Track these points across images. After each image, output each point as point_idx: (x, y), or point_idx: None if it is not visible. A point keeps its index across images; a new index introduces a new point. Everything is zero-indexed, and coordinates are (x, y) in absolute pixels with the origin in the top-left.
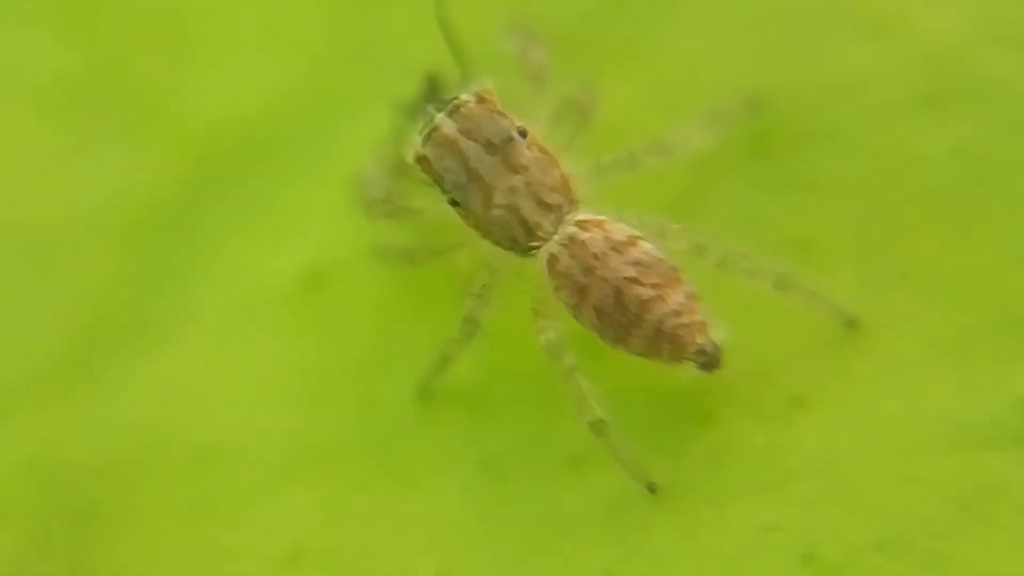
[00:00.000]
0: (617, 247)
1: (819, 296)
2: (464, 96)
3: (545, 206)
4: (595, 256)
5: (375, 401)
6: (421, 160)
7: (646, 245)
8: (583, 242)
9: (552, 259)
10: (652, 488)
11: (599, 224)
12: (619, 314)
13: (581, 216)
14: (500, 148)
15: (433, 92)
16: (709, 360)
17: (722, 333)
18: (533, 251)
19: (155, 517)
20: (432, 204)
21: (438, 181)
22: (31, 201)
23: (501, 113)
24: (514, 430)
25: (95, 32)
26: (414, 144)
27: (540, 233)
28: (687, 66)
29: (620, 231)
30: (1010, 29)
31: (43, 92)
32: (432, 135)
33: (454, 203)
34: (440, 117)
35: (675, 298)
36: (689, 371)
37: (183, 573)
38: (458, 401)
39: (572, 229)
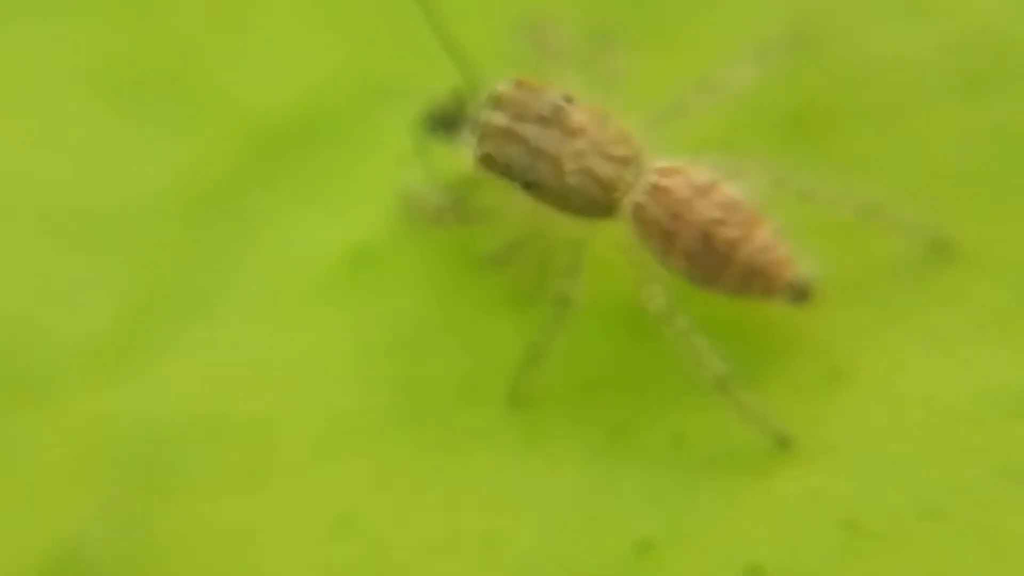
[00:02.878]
0: (701, 191)
1: (904, 220)
2: (501, 86)
3: (616, 160)
4: (680, 202)
5: (420, 372)
6: (484, 159)
7: (727, 186)
8: (667, 188)
9: (638, 209)
10: (784, 442)
11: (679, 170)
12: (709, 256)
13: (661, 164)
14: (553, 119)
15: (460, 104)
16: (800, 293)
17: (811, 265)
18: (616, 206)
19: (210, 483)
20: (499, 198)
21: (506, 172)
22: (89, 181)
23: (542, 88)
24: (557, 402)
25: (149, 16)
26: (469, 150)
27: (622, 185)
28: (721, 49)
29: (701, 175)
30: None
31: (99, 75)
32: (486, 131)
33: (527, 186)
34: (486, 112)
35: (762, 235)
36: (779, 305)
37: (237, 538)
38: (502, 374)
39: (654, 177)
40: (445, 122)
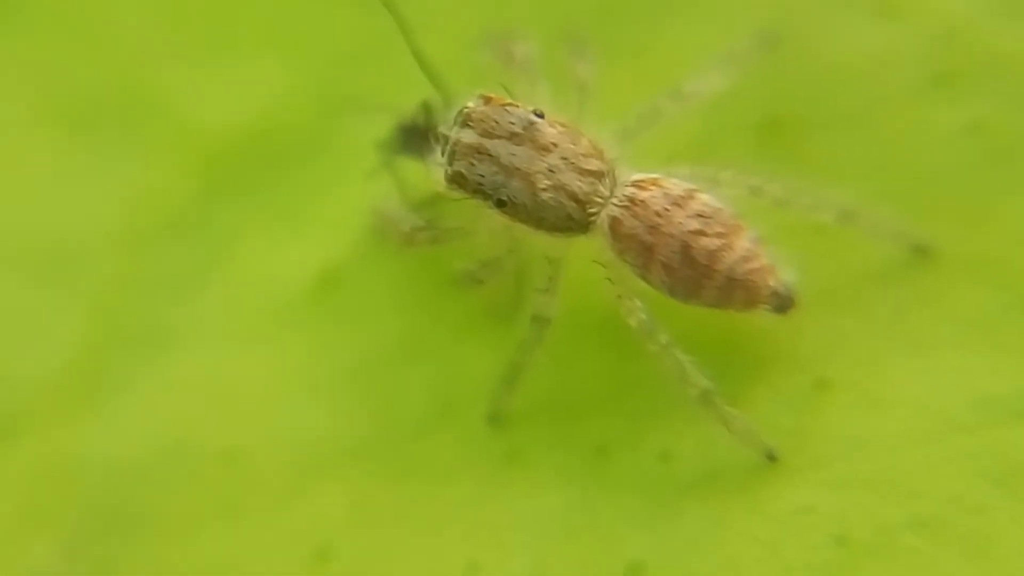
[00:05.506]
0: (678, 201)
1: (884, 224)
2: (470, 103)
3: (589, 174)
4: (657, 213)
5: (396, 396)
6: (455, 177)
7: (705, 196)
8: (644, 201)
9: (615, 222)
10: (771, 456)
11: (655, 181)
12: (689, 268)
13: (636, 176)
14: (525, 135)
15: (429, 118)
16: (783, 301)
17: (792, 273)
18: (592, 222)
19: (184, 519)
20: (471, 217)
21: (478, 190)
22: (44, 210)
23: (512, 103)
24: (538, 422)
25: (103, 40)
26: (439, 169)
27: (597, 199)
28: (693, 55)
29: (677, 186)
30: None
31: (51, 100)
32: (456, 150)
33: (500, 203)
34: (456, 130)
35: (742, 244)
36: (762, 316)
37: (214, 575)
38: (480, 394)
39: (630, 190)
40: (414, 138)
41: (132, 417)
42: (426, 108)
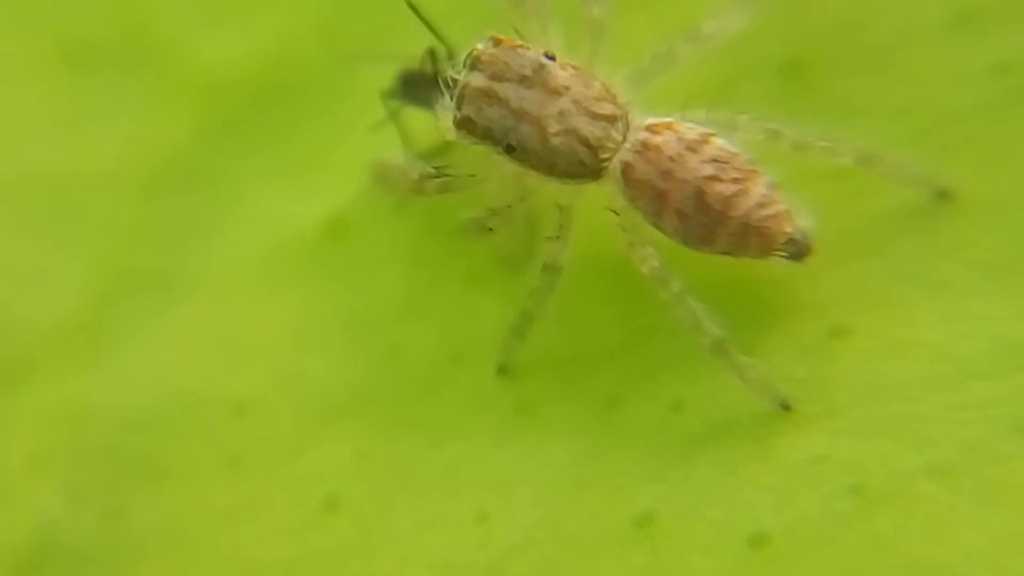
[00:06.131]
0: (692, 146)
1: (906, 168)
2: (479, 45)
3: (601, 118)
4: (671, 159)
5: (405, 348)
6: (463, 122)
7: (720, 140)
8: (657, 146)
9: (627, 168)
10: (785, 405)
11: (669, 126)
12: (703, 214)
13: (649, 120)
14: (535, 78)
15: (435, 65)
16: (800, 248)
17: (808, 219)
18: (604, 168)
19: (190, 469)
20: (479, 164)
21: (487, 135)
22: (52, 154)
23: (522, 46)
24: (549, 373)
25: None
26: (447, 114)
27: (609, 144)
28: None
29: (691, 130)
30: None
31: (59, 45)
32: (465, 93)
33: (510, 149)
34: (464, 73)
35: (757, 190)
36: (778, 263)
37: (219, 524)
38: (489, 346)
39: (643, 135)
40: (420, 86)
41: (139, 365)
42: (432, 55)
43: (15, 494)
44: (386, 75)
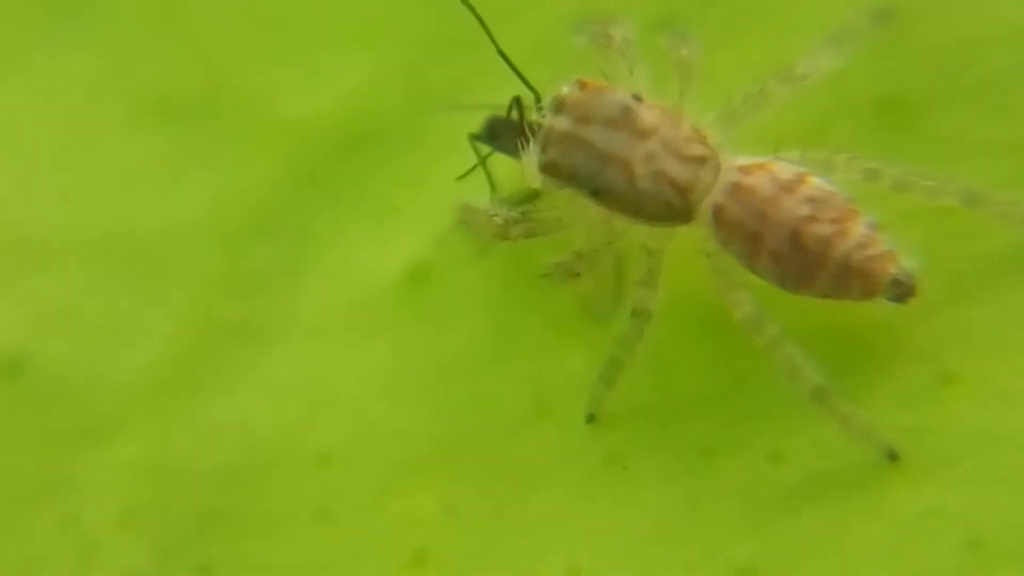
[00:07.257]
0: (787, 186)
1: (1013, 207)
2: (564, 89)
3: (691, 160)
4: (765, 200)
5: (489, 396)
6: (548, 166)
7: (816, 180)
8: (750, 187)
9: (719, 210)
10: (893, 455)
11: (762, 166)
12: (800, 256)
13: (741, 161)
14: (621, 120)
15: (521, 113)
16: (904, 290)
17: (912, 260)
18: (695, 210)
19: (279, 522)
20: (566, 208)
21: (572, 178)
22: (137, 208)
23: (608, 88)
24: (639, 422)
25: (188, 36)
26: (532, 159)
27: (699, 186)
28: (801, 34)
29: (785, 170)
30: None
31: (140, 98)
32: (549, 136)
33: (596, 193)
34: (549, 116)
35: (858, 230)
36: (881, 306)
37: None
38: (576, 394)
39: (735, 175)
40: (507, 133)
41: (225, 418)
42: (518, 102)
43: (104, 551)
44: (468, 121)
